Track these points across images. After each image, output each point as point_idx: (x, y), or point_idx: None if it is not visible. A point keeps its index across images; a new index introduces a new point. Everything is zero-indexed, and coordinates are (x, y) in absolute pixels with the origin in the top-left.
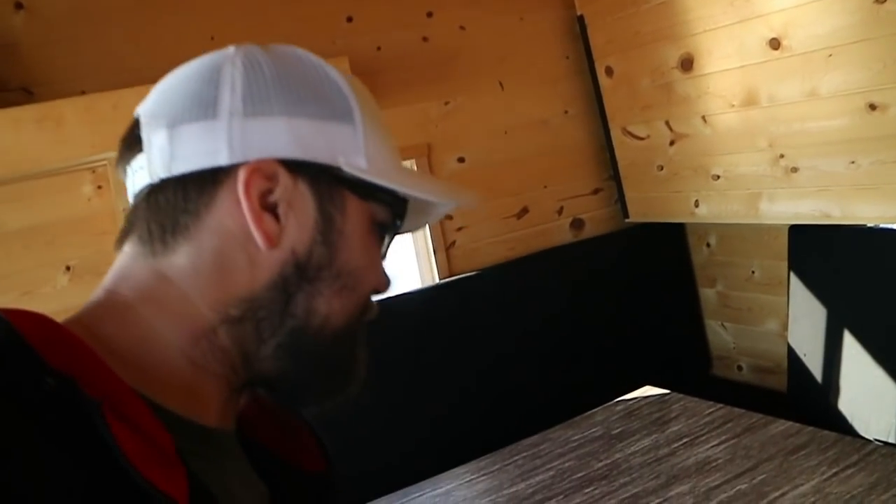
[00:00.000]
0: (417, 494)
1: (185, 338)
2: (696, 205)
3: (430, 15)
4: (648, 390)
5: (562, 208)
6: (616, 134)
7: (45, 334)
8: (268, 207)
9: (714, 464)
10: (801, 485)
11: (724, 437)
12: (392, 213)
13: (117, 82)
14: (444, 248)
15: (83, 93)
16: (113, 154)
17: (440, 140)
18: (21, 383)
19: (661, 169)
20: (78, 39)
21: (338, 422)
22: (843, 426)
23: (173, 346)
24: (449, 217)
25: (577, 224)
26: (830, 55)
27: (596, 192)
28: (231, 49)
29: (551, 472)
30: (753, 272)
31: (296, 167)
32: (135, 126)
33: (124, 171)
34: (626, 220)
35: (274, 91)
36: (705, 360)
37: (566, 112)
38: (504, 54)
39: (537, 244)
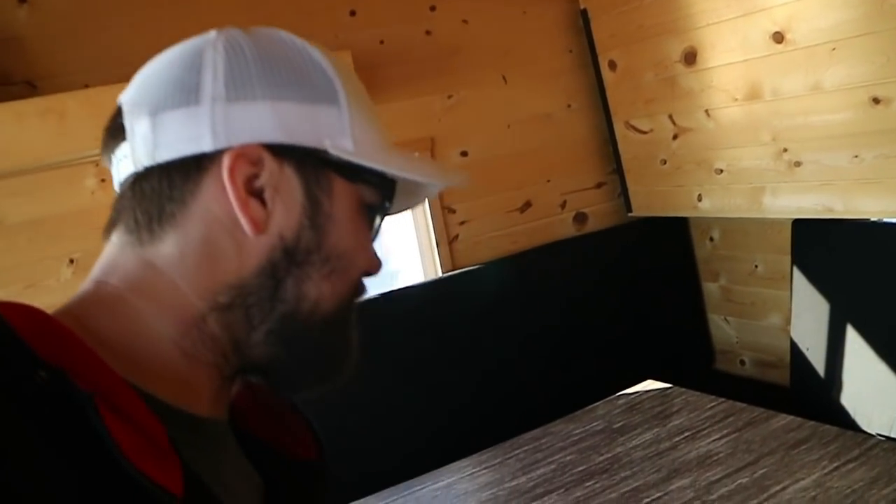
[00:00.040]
0: (419, 488)
1: (175, 326)
2: (699, 199)
3: (433, 9)
4: (650, 384)
5: (565, 202)
6: (619, 128)
7: (36, 326)
8: (254, 193)
9: (715, 458)
10: (802, 479)
11: (725, 432)
12: (380, 195)
13: (121, 76)
14: (447, 242)
15: (86, 86)
16: None
17: (443, 134)
18: (12, 376)
19: (665, 163)
20: (81, 33)
21: (339, 415)
22: (845, 420)
23: (163, 335)
24: (452, 211)
25: (580, 218)
26: (834, 49)
27: (599, 186)
28: (212, 33)
29: (552, 466)
30: (756, 266)
31: (281, 151)
32: (118, 114)
33: (109, 161)
34: (630, 215)
35: (257, 75)
36: (708, 354)
37: (569, 106)
38: (507, 48)
39: (540, 238)
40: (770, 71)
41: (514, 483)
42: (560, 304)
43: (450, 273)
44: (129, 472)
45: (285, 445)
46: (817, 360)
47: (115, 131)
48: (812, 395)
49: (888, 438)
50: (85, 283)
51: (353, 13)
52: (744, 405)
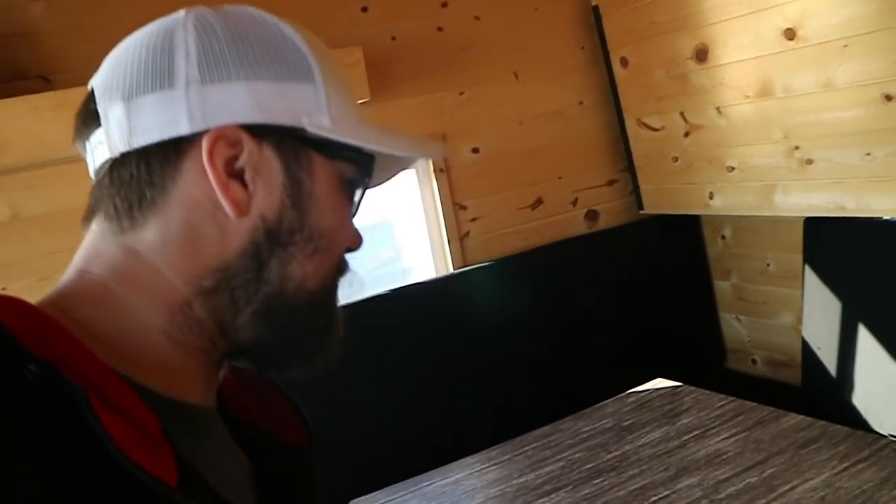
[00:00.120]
0: (427, 483)
1: (162, 314)
2: (711, 197)
3: (444, 5)
4: (660, 382)
5: (576, 199)
6: (631, 125)
7: (25, 320)
8: (234, 175)
9: (724, 457)
10: (811, 479)
11: (734, 430)
12: (359, 170)
13: None
14: (458, 239)
15: None
16: None
17: (455, 130)
18: (2, 372)
19: (676, 160)
20: (95, 28)
21: (348, 410)
22: (857, 420)
23: (150, 323)
24: (463, 207)
25: (591, 215)
26: (846, 45)
27: (610, 183)
28: (181, 13)
29: (561, 463)
30: (768, 265)
31: (259, 131)
32: (90, 100)
33: (83, 147)
34: (641, 212)
35: (230, 55)
36: (720, 352)
37: (581, 103)
38: (519, 44)
39: (551, 235)
40: (782, 68)
41: (522, 480)
42: (571, 302)
43: (461, 269)
44: (124, 465)
45: (274, 430)
46: (829, 359)
47: (88, 117)
48: (823, 394)
49: None
50: (67, 273)
51: (364, 9)
52: (753, 404)
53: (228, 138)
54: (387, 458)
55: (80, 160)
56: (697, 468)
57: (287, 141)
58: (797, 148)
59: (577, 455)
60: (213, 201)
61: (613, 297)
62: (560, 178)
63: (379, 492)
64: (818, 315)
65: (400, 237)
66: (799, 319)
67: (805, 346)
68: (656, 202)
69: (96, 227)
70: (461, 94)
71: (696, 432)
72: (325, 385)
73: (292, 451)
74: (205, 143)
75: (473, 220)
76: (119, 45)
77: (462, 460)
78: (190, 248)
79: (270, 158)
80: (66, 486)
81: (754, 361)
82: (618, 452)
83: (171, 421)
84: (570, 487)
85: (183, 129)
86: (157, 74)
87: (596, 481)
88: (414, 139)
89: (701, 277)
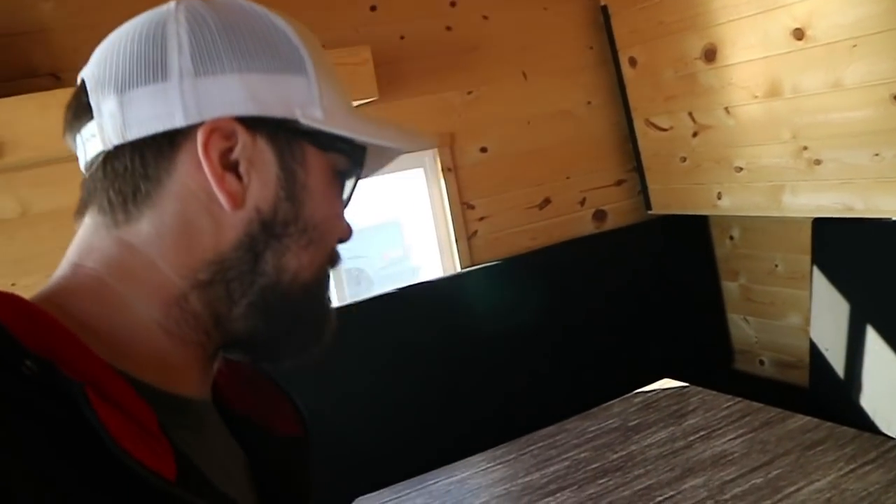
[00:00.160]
0: (433, 482)
1: (157, 307)
2: (719, 197)
3: (453, 4)
4: (667, 383)
5: (584, 199)
6: (639, 125)
7: (20, 316)
8: (229, 167)
9: (730, 457)
10: (817, 480)
11: (741, 431)
12: (351, 161)
13: None
14: (466, 238)
15: None
16: None
17: (463, 129)
18: None
19: (684, 160)
20: (106, 25)
21: (355, 407)
22: (864, 422)
23: (146, 317)
24: (471, 207)
25: (599, 215)
26: (855, 45)
27: (619, 183)
28: (172, 4)
29: (566, 463)
30: (776, 265)
31: (253, 124)
32: (81, 92)
33: (74, 140)
34: (649, 212)
35: (223, 47)
36: (727, 353)
37: (589, 102)
38: (527, 44)
39: (559, 235)
40: (790, 68)
41: (527, 479)
42: (578, 302)
43: (468, 269)
44: (124, 461)
45: (268, 421)
46: (837, 360)
47: (80, 110)
48: (831, 396)
49: None
50: (60, 268)
51: (373, 8)
52: (760, 405)
53: (223, 131)
54: (392, 456)
55: None
56: (703, 469)
57: (280, 133)
58: (806, 148)
59: (582, 455)
60: (208, 194)
61: (621, 297)
62: (568, 177)
63: (384, 490)
64: (826, 316)
65: (409, 236)
66: (807, 320)
67: (813, 347)
68: (664, 202)
69: (89, 220)
70: (469, 93)
71: (702, 433)
72: (331, 383)
73: (287, 442)
74: (200, 136)
75: (481, 219)
76: (109, 36)
77: (467, 459)
78: (185, 241)
79: (264, 150)
80: (66, 482)
81: (762, 362)
82: (623, 452)
83: (167, 414)
84: (576, 487)
85: (177, 121)
86: (150, 67)
87: (601, 481)
88: (403, 130)
89: (709, 278)
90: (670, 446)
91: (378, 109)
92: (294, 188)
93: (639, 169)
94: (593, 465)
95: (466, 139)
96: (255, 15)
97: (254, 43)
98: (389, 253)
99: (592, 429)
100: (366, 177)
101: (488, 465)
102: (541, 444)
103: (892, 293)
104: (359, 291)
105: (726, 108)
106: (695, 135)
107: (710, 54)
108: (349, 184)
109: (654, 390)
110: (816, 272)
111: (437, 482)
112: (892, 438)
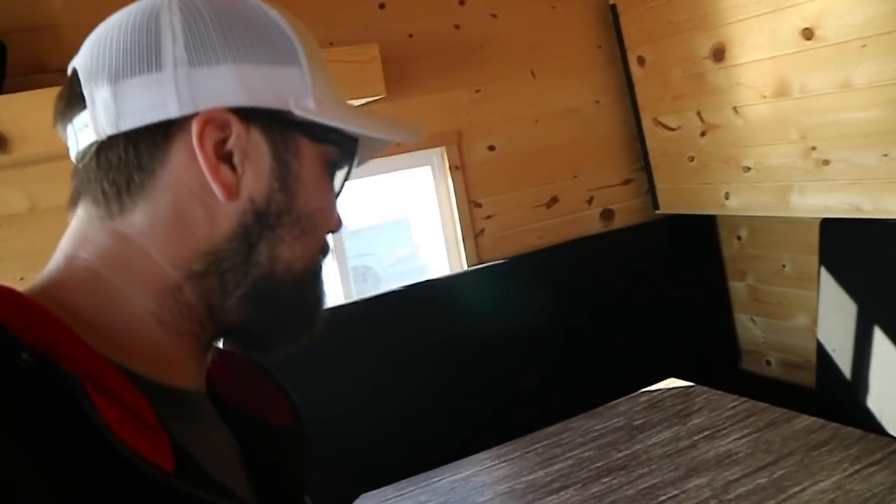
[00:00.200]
0: (437, 479)
1: (152, 298)
2: (727, 197)
3: (462, 3)
4: (673, 382)
5: (592, 198)
6: (647, 124)
7: (14, 309)
8: (223, 158)
9: (734, 457)
10: (822, 481)
11: (745, 431)
12: (343, 153)
13: None
14: (473, 236)
15: None
16: None
17: (471, 128)
18: None
19: (692, 160)
20: None
21: (360, 404)
22: (871, 424)
23: (140, 308)
24: (478, 205)
25: (606, 214)
26: (864, 45)
27: (626, 182)
28: None
29: (570, 461)
30: (784, 266)
31: (247, 114)
32: (73, 81)
33: (65, 130)
34: (657, 212)
35: (217, 37)
36: (734, 353)
37: (597, 101)
38: (536, 43)
39: (566, 234)
40: (799, 68)
41: (531, 477)
42: (585, 301)
43: (475, 267)
44: (123, 453)
45: (262, 412)
46: (844, 361)
47: (72, 99)
48: (838, 397)
49: None
50: (54, 260)
51: (382, 6)
52: (765, 405)
53: (217, 121)
54: (396, 454)
55: None
56: (707, 468)
57: (274, 124)
58: (814, 148)
59: (587, 453)
60: (203, 184)
61: (628, 297)
62: (576, 176)
63: (388, 486)
64: (833, 317)
65: (417, 235)
66: (814, 321)
67: (820, 348)
68: (672, 202)
69: (83, 212)
70: (477, 91)
71: (706, 432)
72: (335, 380)
73: (281, 432)
74: (195, 127)
75: (488, 217)
76: (101, 25)
77: (472, 457)
78: (179, 232)
79: (258, 141)
80: (65, 474)
81: (769, 363)
82: (628, 451)
83: (163, 406)
84: (579, 485)
85: (172, 111)
86: (144, 56)
87: (605, 480)
88: (394, 122)
89: (716, 278)
90: (675, 446)
91: (386, 107)
92: (287, 179)
93: (646, 168)
94: (597, 464)
95: (474, 137)
96: (247, 5)
97: (247, 33)
98: (398, 251)
99: (597, 427)
100: (357, 167)
101: (493, 463)
102: (545, 442)
103: None
104: (365, 289)
105: (735, 108)
106: (703, 134)
107: (719, 54)
108: (340, 175)
109: (659, 390)
110: (824, 273)
111: (441, 479)
112: None
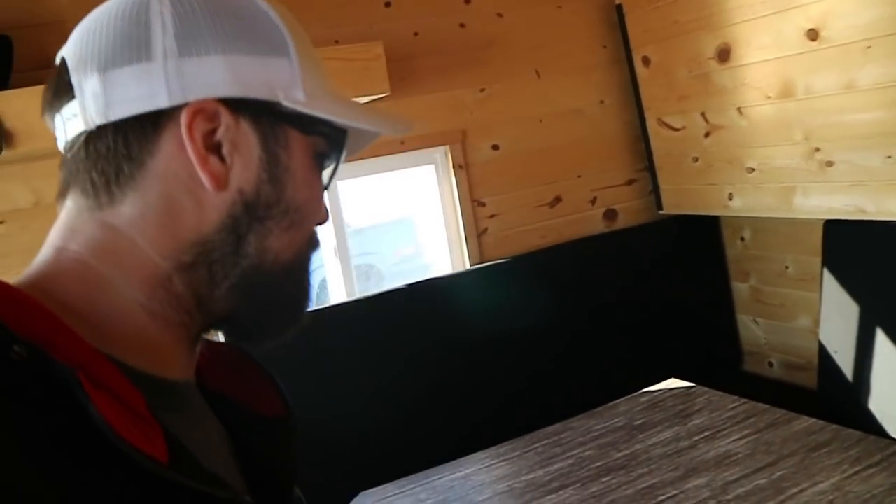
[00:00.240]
0: (437, 477)
1: (142, 289)
2: (731, 198)
3: (467, 1)
4: (674, 383)
5: (595, 198)
6: (651, 124)
7: (4, 300)
8: (212, 148)
9: (734, 458)
10: (821, 482)
11: (746, 432)
12: (332, 145)
13: None
14: (476, 235)
15: None
16: None
17: (475, 127)
18: None
19: (696, 161)
20: None
21: (361, 402)
22: (872, 425)
23: (130, 298)
24: (482, 204)
25: (610, 214)
26: (869, 47)
27: (630, 182)
28: None
29: (570, 461)
30: (787, 267)
31: (236, 105)
32: (62, 71)
33: (53, 119)
34: (660, 212)
35: (207, 28)
36: (736, 354)
37: (602, 101)
38: (541, 42)
39: (570, 233)
40: (804, 69)
41: (530, 476)
42: (588, 301)
43: (477, 266)
44: (117, 444)
45: (252, 403)
46: (846, 363)
47: (61, 89)
48: (839, 398)
49: None
50: (43, 251)
51: (387, 4)
52: (766, 406)
53: (207, 112)
54: (397, 453)
55: None
56: (707, 469)
57: (263, 115)
58: (818, 150)
59: (586, 453)
60: (192, 175)
61: (630, 297)
62: (579, 176)
63: (388, 484)
64: (836, 319)
65: (421, 234)
66: (816, 323)
67: (822, 349)
68: (676, 202)
69: (71, 203)
70: (482, 90)
71: (706, 433)
72: (337, 378)
73: (271, 423)
74: (184, 117)
75: (492, 216)
76: (89, 14)
77: (472, 455)
78: (168, 223)
79: (247, 133)
80: (60, 465)
81: (771, 364)
82: (628, 451)
83: (154, 397)
84: (579, 485)
85: (161, 102)
86: (133, 46)
87: (604, 479)
88: (383, 114)
89: (719, 279)
90: (675, 446)
91: (390, 105)
92: (276, 170)
93: (650, 168)
94: (597, 464)
95: (478, 136)
96: None
97: (237, 24)
98: (401, 250)
99: (597, 427)
100: (345, 160)
101: (492, 462)
102: (545, 441)
103: None
104: (368, 287)
105: (739, 109)
106: (707, 135)
107: (724, 54)
108: (329, 167)
109: (660, 390)
110: (827, 274)
111: (441, 478)
112: None
